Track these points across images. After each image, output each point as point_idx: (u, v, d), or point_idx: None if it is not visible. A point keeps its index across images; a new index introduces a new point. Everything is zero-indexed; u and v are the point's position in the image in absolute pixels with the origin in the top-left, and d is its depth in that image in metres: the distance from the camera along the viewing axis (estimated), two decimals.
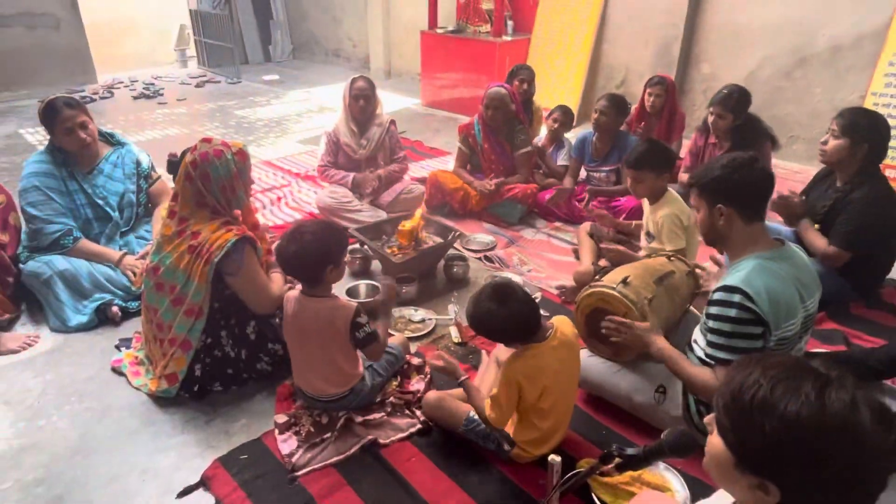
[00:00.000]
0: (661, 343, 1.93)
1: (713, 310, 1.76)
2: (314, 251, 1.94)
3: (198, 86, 8.15)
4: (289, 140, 5.71)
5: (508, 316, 1.76)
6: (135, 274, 2.80)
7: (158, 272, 2.20)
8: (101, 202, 2.93)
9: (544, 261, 3.39)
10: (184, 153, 2.72)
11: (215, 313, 2.23)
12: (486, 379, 2.19)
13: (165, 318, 2.21)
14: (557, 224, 3.86)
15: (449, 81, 6.71)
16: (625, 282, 2.05)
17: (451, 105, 6.80)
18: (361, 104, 3.64)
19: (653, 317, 2.03)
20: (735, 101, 3.45)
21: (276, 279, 2.35)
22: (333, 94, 7.75)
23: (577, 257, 3.37)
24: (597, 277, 2.20)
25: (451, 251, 3.24)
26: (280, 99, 7.52)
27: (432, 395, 2.11)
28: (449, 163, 4.92)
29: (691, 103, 5.50)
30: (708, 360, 1.80)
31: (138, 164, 3.09)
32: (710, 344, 1.78)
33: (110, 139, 3.07)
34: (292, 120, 6.50)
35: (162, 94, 7.54)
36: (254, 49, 9.87)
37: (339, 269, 2.02)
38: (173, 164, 2.77)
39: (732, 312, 1.70)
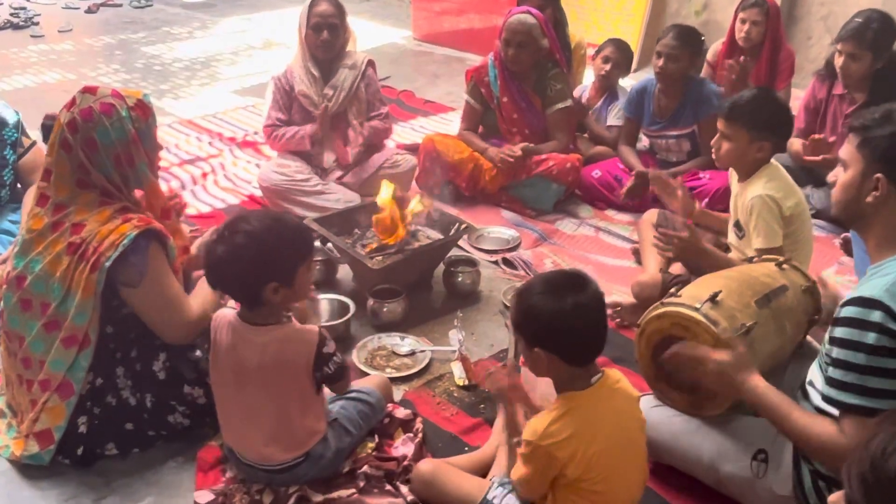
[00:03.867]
0: (756, 382, 1.91)
1: (839, 332, 1.75)
2: (249, 259, 1.91)
3: (89, 10, 8.20)
4: (220, 90, 5.69)
5: (570, 314, 1.75)
6: None
7: (24, 283, 2.19)
8: None
9: (590, 265, 3.39)
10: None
11: (107, 342, 2.22)
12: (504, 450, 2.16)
13: (35, 350, 2.20)
14: (609, 212, 3.87)
15: (453, 5, 6.72)
16: (713, 300, 2.04)
17: (454, 40, 6.80)
18: (325, 37, 3.64)
19: (750, 351, 2.01)
20: (874, 33, 3.46)
21: (200, 292, 2.34)
22: (286, 22, 7.75)
23: (639, 261, 3.37)
24: (671, 291, 2.19)
25: (453, 252, 3.23)
26: (208, 30, 7.55)
27: (427, 464, 2.10)
28: (452, 123, 4.93)
29: (804, 36, 5.53)
30: (830, 407, 1.79)
31: (2, 125, 3.09)
32: (833, 383, 1.77)
33: None
34: (225, 61, 6.52)
35: (37, 24, 7.58)
36: None
37: (291, 289, 1.98)
38: (48, 130, 2.79)
39: (870, 338, 1.69)
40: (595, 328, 1.80)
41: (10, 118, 3.12)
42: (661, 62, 3.64)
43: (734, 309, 2.06)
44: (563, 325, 1.76)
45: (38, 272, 2.16)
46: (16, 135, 3.12)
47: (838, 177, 1.94)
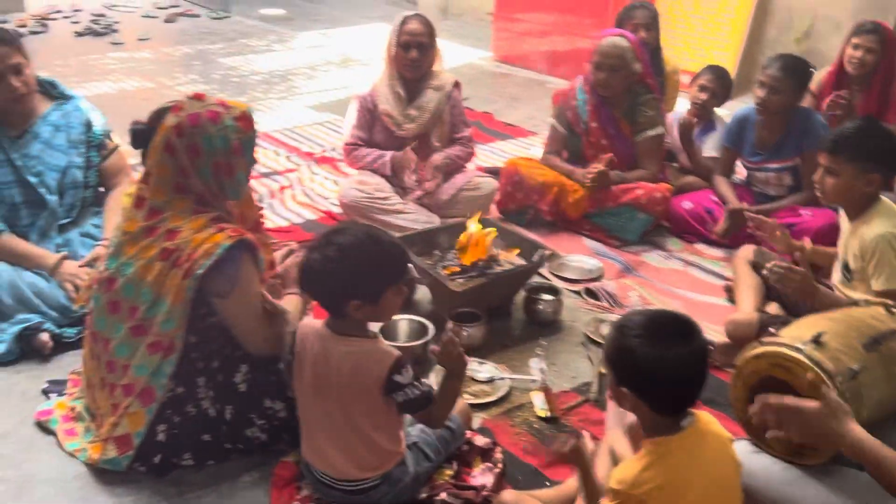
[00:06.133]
0: (858, 434, 1.87)
1: None
2: (336, 272, 1.98)
3: (168, 20, 8.56)
4: (297, 104, 5.87)
5: (670, 366, 1.73)
6: (77, 288, 2.91)
7: (114, 286, 2.29)
8: (34, 180, 3.07)
9: (679, 300, 3.39)
10: (156, 116, 2.84)
11: (189, 351, 2.29)
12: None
13: (119, 354, 2.29)
14: (700, 246, 3.85)
15: (535, 26, 6.82)
16: (817, 340, 2.02)
17: (537, 61, 6.91)
18: (414, 56, 3.75)
19: (856, 399, 1.98)
20: None
21: (289, 305, 2.42)
22: (363, 39, 7.99)
23: (731, 299, 3.35)
24: (771, 331, 2.16)
25: (535, 279, 3.27)
26: (285, 43, 7.80)
27: (510, 495, 2.11)
28: (533, 148, 4.98)
29: None
30: None
31: (89, 126, 3.25)
32: None
33: (51, 90, 3.25)
34: (303, 75, 6.73)
35: (116, 31, 7.96)
36: None
37: (374, 307, 2.03)
38: (139, 135, 2.89)
39: None
40: (694, 384, 1.77)
41: (98, 122, 3.27)
42: (762, 93, 3.61)
43: (839, 351, 2.03)
44: (660, 376, 1.73)
45: (130, 275, 2.25)
46: (101, 137, 3.26)
47: None
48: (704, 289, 3.50)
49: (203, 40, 7.78)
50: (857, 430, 1.85)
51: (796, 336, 2.08)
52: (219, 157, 2.25)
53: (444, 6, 8.61)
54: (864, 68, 4.05)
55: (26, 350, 2.83)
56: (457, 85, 3.95)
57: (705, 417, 1.87)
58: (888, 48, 4.05)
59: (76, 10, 8.76)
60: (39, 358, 2.83)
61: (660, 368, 1.73)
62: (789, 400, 1.91)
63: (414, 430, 2.28)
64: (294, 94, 6.19)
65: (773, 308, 3.09)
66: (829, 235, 3.42)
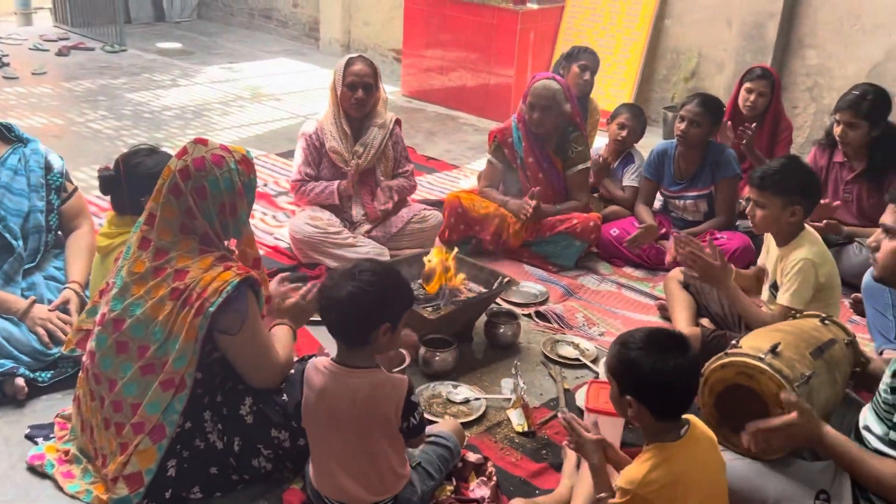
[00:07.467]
0: (832, 434, 2.12)
1: None
2: (373, 296, 2.11)
3: (60, 53, 8.25)
4: (218, 140, 5.73)
5: (670, 374, 1.94)
6: (49, 332, 2.88)
7: (122, 326, 2.32)
8: None
9: (619, 319, 3.65)
10: (120, 164, 2.85)
11: (196, 387, 2.35)
12: (580, 491, 2.33)
13: (128, 393, 2.32)
14: (627, 269, 4.15)
15: (444, 63, 7.03)
16: (774, 350, 2.27)
17: (446, 97, 7.12)
18: (360, 96, 3.88)
19: (808, 400, 2.22)
20: (870, 104, 3.83)
21: (281, 337, 2.51)
22: (269, 73, 8.00)
23: (664, 317, 3.64)
24: (733, 343, 2.41)
25: (493, 305, 3.45)
26: (191, 78, 7.70)
27: (519, 502, 2.29)
28: (462, 181, 5.19)
29: (790, 105, 5.94)
30: (892, 451, 2.04)
31: (48, 169, 3.22)
32: None
33: (7, 133, 3.20)
34: (216, 110, 6.70)
35: (8, 64, 7.59)
36: (139, 1, 10.06)
37: (395, 334, 2.19)
38: (107, 181, 2.94)
39: None
40: (690, 389, 2.01)
41: (56, 163, 3.24)
42: (683, 126, 3.96)
43: (793, 360, 2.27)
44: (661, 382, 1.95)
45: (139, 315, 2.29)
46: (60, 180, 3.23)
47: (881, 242, 2.25)
48: (639, 308, 3.78)
49: (103, 74, 7.58)
50: (829, 431, 2.12)
51: (755, 347, 2.30)
52: (224, 198, 2.34)
53: (346, 42, 8.75)
54: (756, 110, 4.47)
55: (0, 396, 2.79)
56: (398, 122, 4.11)
57: (697, 422, 2.09)
58: (776, 91, 4.51)
59: None
60: (14, 403, 2.79)
61: (662, 376, 1.95)
62: (773, 422, 2.14)
63: (415, 451, 2.40)
64: (212, 129, 6.15)
65: (705, 322, 3.40)
66: (743, 256, 3.81)
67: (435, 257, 3.24)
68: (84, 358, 2.48)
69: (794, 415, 2.13)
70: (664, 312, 3.66)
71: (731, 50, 6.10)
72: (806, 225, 3.02)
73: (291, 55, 8.90)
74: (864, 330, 3.36)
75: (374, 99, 3.99)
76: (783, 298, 2.95)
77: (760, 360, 2.24)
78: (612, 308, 3.76)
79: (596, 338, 3.47)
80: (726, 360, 2.32)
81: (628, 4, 6.54)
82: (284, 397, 2.44)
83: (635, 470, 2.01)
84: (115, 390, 2.34)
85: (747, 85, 4.47)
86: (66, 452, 2.52)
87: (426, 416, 2.78)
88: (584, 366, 3.23)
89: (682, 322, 3.34)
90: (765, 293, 3.16)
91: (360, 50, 8.64)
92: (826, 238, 3.85)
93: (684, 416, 2.06)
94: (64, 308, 2.99)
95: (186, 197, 2.30)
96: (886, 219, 2.25)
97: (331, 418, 2.19)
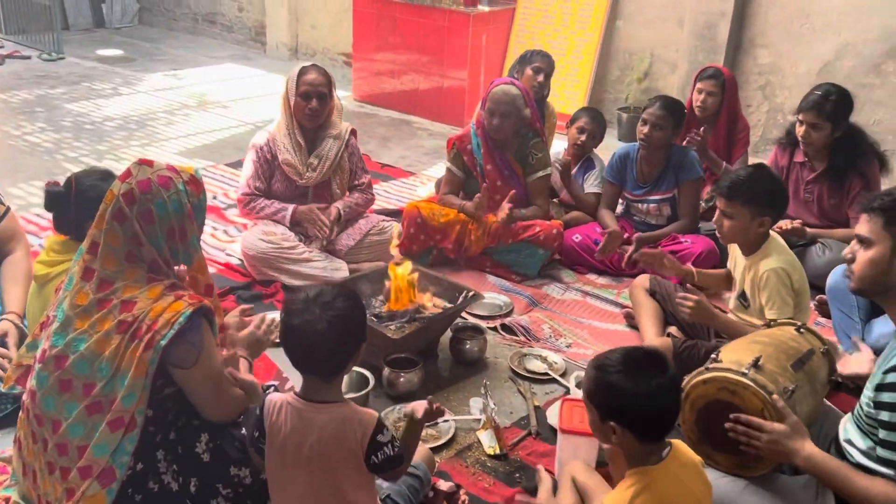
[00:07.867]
0: (811, 449, 2.10)
1: (887, 397, 1.96)
2: (354, 320, 2.00)
3: None
4: (163, 152, 5.68)
5: (653, 395, 1.87)
6: None
7: (65, 363, 2.15)
8: None
9: (586, 330, 3.58)
10: (73, 182, 2.67)
11: (147, 425, 2.20)
12: None
13: (73, 434, 2.15)
14: (590, 276, 4.08)
15: (396, 67, 6.93)
16: (756, 364, 2.22)
17: (399, 101, 7.01)
18: (314, 106, 3.74)
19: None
20: (833, 105, 3.81)
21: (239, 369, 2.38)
22: (215, 80, 7.79)
23: (631, 325, 3.58)
24: (713, 357, 2.35)
25: (458, 320, 3.35)
26: (133, 86, 7.46)
27: None
28: (417, 187, 5.07)
29: (744, 104, 5.87)
30: (877, 465, 2.01)
31: None
32: (887, 444, 1.98)
33: None
34: (161, 120, 6.49)
35: None
36: (77, 7, 9.75)
37: (357, 355, 2.07)
38: (54, 197, 2.75)
39: None
40: (673, 409, 1.94)
41: None
42: (646, 129, 3.90)
43: (776, 373, 2.23)
44: (644, 405, 1.87)
45: (83, 351, 2.13)
46: None
47: (856, 253, 2.20)
48: (605, 317, 3.71)
49: (41, 84, 7.30)
50: (811, 446, 2.08)
51: (736, 360, 2.26)
52: (173, 221, 2.19)
53: (294, 46, 8.57)
54: (707, 111, 4.42)
55: None
56: (353, 133, 3.98)
57: (680, 445, 2.02)
58: (728, 91, 4.46)
59: None
60: None
61: (645, 399, 1.87)
62: (761, 422, 2.12)
63: (385, 484, 2.29)
64: (157, 140, 5.94)
65: (673, 331, 3.35)
66: (707, 260, 3.76)
67: (397, 273, 3.12)
68: (24, 397, 2.30)
69: (780, 424, 2.10)
70: (630, 320, 3.60)
71: (684, 50, 6.10)
72: (771, 232, 2.98)
73: (237, 60, 8.69)
74: (830, 332, 3.34)
75: (329, 109, 3.85)
76: (770, 314, 2.88)
77: (744, 375, 2.20)
78: (579, 318, 3.68)
79: (563, 350, 3.39)
80: (707, 375, 2.27)
81: (580, 5, 6.50)
82: (243, 431, 2.30)
83: (618, 497, 1.93)
84: (59, 432, 2.17)
85: (699, 85, 4.44)
86: (7, 500, 2.36)
87: None
88: (554, 380, 3.14)
89: (651, 331, 3.31)
90: (732, 302, 3.12)
91: (308, 54, 8.50)
92: (788, 240, 3.87)
93: (670, 441, 1.99)
94: (1, 341, 2.80)
95: (132, 222, 2.14)
96: (861, 229, 2.20)
97: (297, 457, 2.06)
